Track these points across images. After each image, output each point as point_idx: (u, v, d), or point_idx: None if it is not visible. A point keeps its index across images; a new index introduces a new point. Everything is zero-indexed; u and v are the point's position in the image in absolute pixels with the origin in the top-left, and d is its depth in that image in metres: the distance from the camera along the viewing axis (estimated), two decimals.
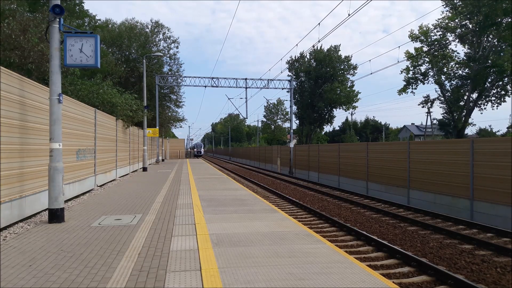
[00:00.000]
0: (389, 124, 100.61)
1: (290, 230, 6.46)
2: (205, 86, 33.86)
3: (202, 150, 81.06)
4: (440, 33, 33.25)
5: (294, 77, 51.83)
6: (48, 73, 8.01)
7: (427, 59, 34.95)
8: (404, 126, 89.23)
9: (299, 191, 19.31)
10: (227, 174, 29.80)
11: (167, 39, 34.63)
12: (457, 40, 32.50)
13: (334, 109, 52.23)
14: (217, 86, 34.07)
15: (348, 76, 50.65)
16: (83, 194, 11.79)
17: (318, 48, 50.57)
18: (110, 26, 32.05)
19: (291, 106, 36.04)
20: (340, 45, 51.93)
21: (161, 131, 37.31)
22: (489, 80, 32.19)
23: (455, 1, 31.89)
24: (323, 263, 4.62)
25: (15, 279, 4.17)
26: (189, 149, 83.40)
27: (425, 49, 34.86)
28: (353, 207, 14.09)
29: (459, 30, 32.05)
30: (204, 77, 33.82)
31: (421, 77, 36.15)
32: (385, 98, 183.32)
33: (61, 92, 7.57)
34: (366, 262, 7.22)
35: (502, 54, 29.65)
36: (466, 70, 32.91)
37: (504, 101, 32.80)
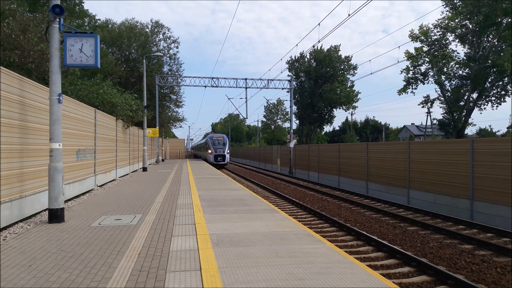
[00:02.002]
0: (389, 124, 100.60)
1: (290, 230, 6.46)
2: (205, 86, 33.87)
3: (227, 152, 37.21)
4: (440, 33, 33.25)
5: (294, 77, 51.83)
6: (48, 73, 8.01)
7: (427, 59, 34.95)
8: (404, 126, 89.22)
9: (299, 191, 19.31)
10: (227, 174, 29.80)
11: (167, 39, 34.66)
12: (457, 40, 32.50)
13: (334, 109, 52.22)
14: (217, 86, 34.07)
15: (348, 76, 50.67)
16: (83, 194, 11.78)
17: (318, 48, 50.56)
18: (110, 26, 32.06)
19: (291, 106, 36.03)
20: (340, 45, 51.93)
21: (161, 131, 37.33)
22: (489, 80, 32.18)
23: (455, 1, 31.88)
24: (323, 263, 4.62)
25: (15, 279, 4.17)
26: (189, 150, 69.67)
27: (425, 49, 34.86)
28: (353, 207, 14.09)
29: (459, 30, 32.04)
30: (204, 77, 33.85)
31: (421, 77, 36.14)
32: (385, 98, 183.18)
33: (61, 92, 7.57)
34: (366, 262, 7.22)
35: (502, 54, 29.63)
36: (466, 70, 32.90)
37: (504, 101, 32.80)
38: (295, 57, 51.73)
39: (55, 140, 7.39)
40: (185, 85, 34.87)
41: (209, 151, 36.54)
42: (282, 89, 35.53)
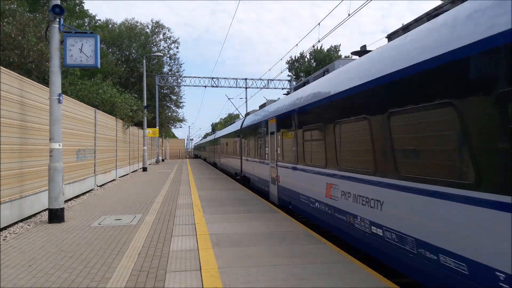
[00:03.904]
0: None
1: (290, 230, 6.45)
2: (205, 86, 33.88)
3: None
4: None
5: (294, 77, 51.85)
6: (48, 73, 8.02)
7: None
8: None
9: None
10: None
11: (167, 39, 34.77)
12: None
13: None
14: (217, 86, 34.08)
15: None
16: (83, 194, 11.78)
17: (318, 48, 50.63)
18: (110, 26, 32.11)
19: None
20: (340, 45, 52.01)
21: (161, 131, 37.34)
22: None
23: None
24: (323, 263, 4.62)
25: (15, 279, 4.17)
26: (190, 150, 68.59)
27: None
28: None
29: None
30: (204, 77, 33.85)
31: None
32: None
33: (61, 92, 7.57)
34: (367, 262, 7.20)
35: None
36: None
37: None
38: (295, 57, 51.78)
39: (55, 140, 7.39)
40: (185, 85, 34.94)
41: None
42: (282, 89, 35.54)
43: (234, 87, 34.50)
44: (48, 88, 7.62)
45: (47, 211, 7.50)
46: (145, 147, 24.16)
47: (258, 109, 15.07)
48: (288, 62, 52.30)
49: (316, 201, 6.57)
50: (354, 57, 6.69)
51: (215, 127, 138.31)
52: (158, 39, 34.20)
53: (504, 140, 2.78)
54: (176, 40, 35.24)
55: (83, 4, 24.84)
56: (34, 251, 5.30)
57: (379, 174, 4.50)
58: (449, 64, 3.30)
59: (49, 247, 5.48)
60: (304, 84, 8.84)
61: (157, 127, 30.02)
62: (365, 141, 4.90)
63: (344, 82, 5.64)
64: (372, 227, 4.62)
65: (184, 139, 70.79)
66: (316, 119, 6.75)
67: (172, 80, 34.81)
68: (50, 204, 7.30)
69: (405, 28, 5.07)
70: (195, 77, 33.90)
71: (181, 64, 40.74)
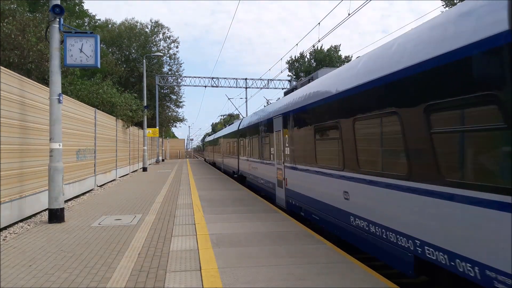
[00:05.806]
0: None
1: (290, 230, 6.46)
2: (205, 86, 33.89)
3: None
4: None
5: (294, 77, 51.84)
6: (47, 73, 8.03)
7: None
8: None
9: None
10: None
11: (167, 39, 34.79)
12: None
13: None
14: (217, 86, 34.08)
15: None
16: (83, 194, 11.78)
17: (318, 48, 50.65)
18: (110, 26, 32.14)
19: None
20: (340, 45, 52.04)
21: (161, 131, 37.35)
22: None
23: (455, 1, 31.88)
24: (323, 263, 4.62)
25: (15, 279, 4.17)
26: (190, 149, 68.15)
27: None
28: None
29: None
30: (204, 77, 33.85)
31: None
32: None
33: (61, 92, 7.57)
34: (366, 262, 7.21)
35: None
36: None
37: None
38: (295, 57, 51.77)
39: (55, 140, 7.39)
40: (185, 85, 34.96)
41: None
42: (282, 89, 35.53)
43: (234, 87, 34.52)
44: (48, 88, 7.62)
45: (47, 211, 7.50)
46: (145, 147, 24.16)
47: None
48: (288, 62, 52.28)
49: None
50: None
51: (215, 127, 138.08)
52: (157, 38, 34.26)
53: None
54: (175, 40, 35.30)
55: (82, 4, 24.87)
56: (34, 251, 5.31)
57: None
58: None
59: (49, 247, 5.48)
60: None
61: (157, 127, 30.02)
62: None
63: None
64: None
65: (184, 139, 71.06)
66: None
67: (172, 80, 34.81)
68: (50, 204, 7.30)
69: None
70: (195, 77, 33.92)
71: (181, 64, 40.84)
